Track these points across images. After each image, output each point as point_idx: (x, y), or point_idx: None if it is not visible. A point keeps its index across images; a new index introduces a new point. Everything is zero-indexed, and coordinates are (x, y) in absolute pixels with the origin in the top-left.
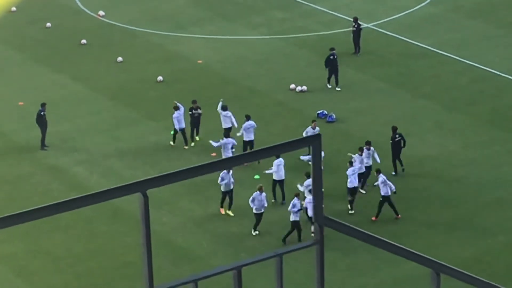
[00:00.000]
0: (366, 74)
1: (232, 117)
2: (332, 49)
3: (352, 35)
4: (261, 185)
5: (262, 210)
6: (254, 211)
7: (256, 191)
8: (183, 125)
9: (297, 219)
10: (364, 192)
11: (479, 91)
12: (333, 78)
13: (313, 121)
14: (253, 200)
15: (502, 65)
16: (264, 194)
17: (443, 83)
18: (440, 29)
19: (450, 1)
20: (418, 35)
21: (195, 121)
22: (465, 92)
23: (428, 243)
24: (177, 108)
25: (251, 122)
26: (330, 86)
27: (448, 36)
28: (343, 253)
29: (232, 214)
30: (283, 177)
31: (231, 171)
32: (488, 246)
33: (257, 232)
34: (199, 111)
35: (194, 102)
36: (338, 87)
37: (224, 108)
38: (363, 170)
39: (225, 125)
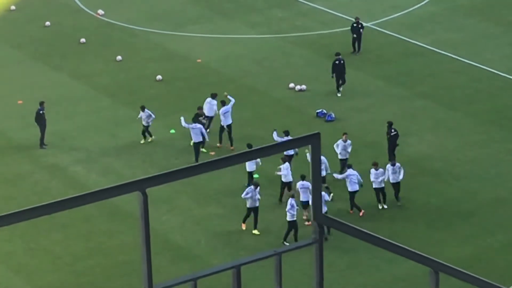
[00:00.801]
0: (365, 73)
1: (215, 107)
2: (337, 54)
3: (353, 35)
4: (292, 192)
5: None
6: (289, 218)
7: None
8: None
9: (294, 218)
10: (386, 207)
11: (478, 90)
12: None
13: (344, 133)
14: (292, 207)
15: (501, 64)
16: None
17: (442, 82)
18: (439, 28)
19: (449, 0)
20: (417, 34)
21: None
22: (464, 91)
23: (426, 241)
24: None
25: (227, 107)
26: (339, 94)
27: (447, 35)
28: (342, 252)
29: (258, 233)
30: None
31: (258, 188)
32: (487, 244)
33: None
34: (204, 119)
35: (199, 108)
36: (339, 93)
37: (213, 96)
38: (383, 185)
39: (209, 113)
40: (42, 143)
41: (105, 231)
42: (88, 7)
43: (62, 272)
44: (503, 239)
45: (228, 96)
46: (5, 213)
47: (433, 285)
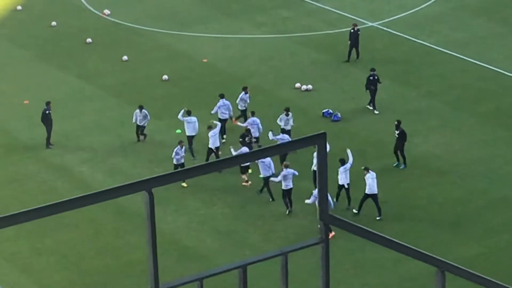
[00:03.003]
0: None
1: (230, 106)
2: (372, 69)
3: (349, 41)
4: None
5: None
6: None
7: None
8: (218, 144)
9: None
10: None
11: (484, 90)
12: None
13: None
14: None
15: (507, 64)
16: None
17: (448, 81)
18: (445, 28)
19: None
20: (423, 34)
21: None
22: (470, 90)
23: (433, 241)
24: (213, 127)
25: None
26: (371, 108)
27: (453, 35)
28: (348, 251)
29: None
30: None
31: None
32: (493, 244)
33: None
34: (252, 139)
35: (247, 130)
36: (376, 111)
37: (221, 96)
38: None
39: (222, 115)
40: (48, 143)
41: (111, 231)
42: (94, 7)
43: (68, 272)
44: (509, 239)
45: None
46: (11, 213)
47: (440, 285)
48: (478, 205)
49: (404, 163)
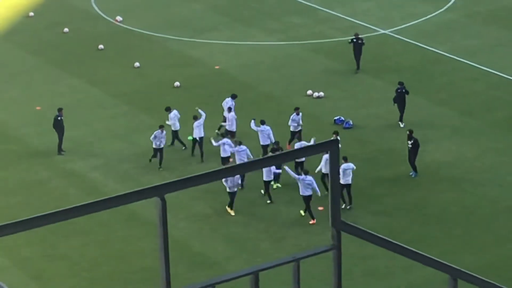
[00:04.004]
0: (382, 80)
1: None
2: (400, 83)
3: (354, 51)
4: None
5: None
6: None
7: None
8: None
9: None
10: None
11: (495, 98)
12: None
13: None
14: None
15: None
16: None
17: (459, 89)
18: (457, 35)
19: (467, 7)
20: (434, 41)
21: None
22: (482, 98)
23: (444, 249)
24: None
25: (199, 121)
26: (402, 125)
27: (464, 42)
28: (359, 258)
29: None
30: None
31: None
32: (505, 252)
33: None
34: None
35: (276, 143)
36: (403, 124)
37: (232, 96)
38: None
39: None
40: (60, 149)
41: (122, 237)
42: (106, 13)
43: (80, 278)
44: None
45: (199, 110)
46: (23, 219)
47: None
48: (489, 212)
49: (415, 171)
